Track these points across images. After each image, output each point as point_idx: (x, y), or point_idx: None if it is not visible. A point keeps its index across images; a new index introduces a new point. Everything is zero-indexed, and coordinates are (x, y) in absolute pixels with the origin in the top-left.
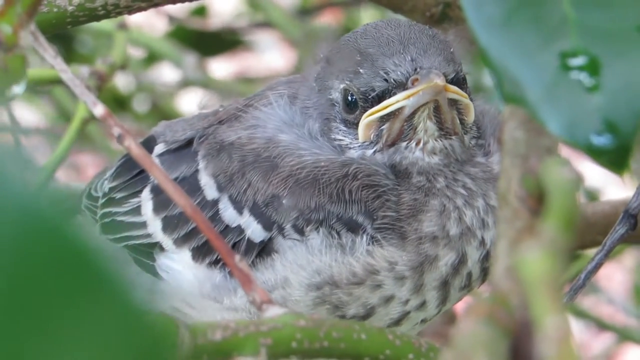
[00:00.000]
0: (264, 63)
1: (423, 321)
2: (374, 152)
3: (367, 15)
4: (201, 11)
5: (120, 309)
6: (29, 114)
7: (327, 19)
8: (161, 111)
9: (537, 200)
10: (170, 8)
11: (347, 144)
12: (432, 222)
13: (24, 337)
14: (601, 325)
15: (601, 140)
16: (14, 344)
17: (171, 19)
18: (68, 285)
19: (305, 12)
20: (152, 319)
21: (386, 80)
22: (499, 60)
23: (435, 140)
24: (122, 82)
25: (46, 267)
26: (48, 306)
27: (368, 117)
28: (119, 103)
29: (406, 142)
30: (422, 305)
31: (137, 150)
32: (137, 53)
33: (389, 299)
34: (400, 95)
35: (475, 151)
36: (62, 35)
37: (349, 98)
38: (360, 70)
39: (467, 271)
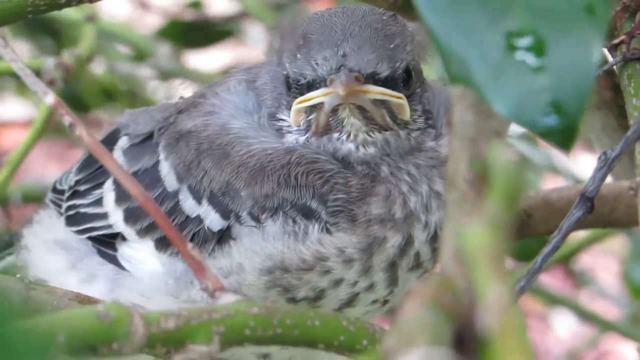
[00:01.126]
0: (256, 54)
1: (375, 302)
2: (307, 138)
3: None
4: (197, 4)
5: None
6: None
7: (320, 8)
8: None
9: (484, 182)
10: (163, 3)
11: (288, 125)
12: (379, 205)
13: None
14: (588, 317)
15: (548, 121)
16: None
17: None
18: None
19: (292, 1)
20: None
21: (315, 71)
22: (446, 41)
23: (366, 134)
24: (108, 75)
25: None
26: None
27: (297, 105)
28: (107, 96)
29: (337, 134)
30: (371, 286)
31: (89, 140)
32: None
33: (337, 282)
34: (318, 92)
35: (423, 137)
36: (52, 28)
37: (289, 80)
38: (298, 56)
39: (414, 252)
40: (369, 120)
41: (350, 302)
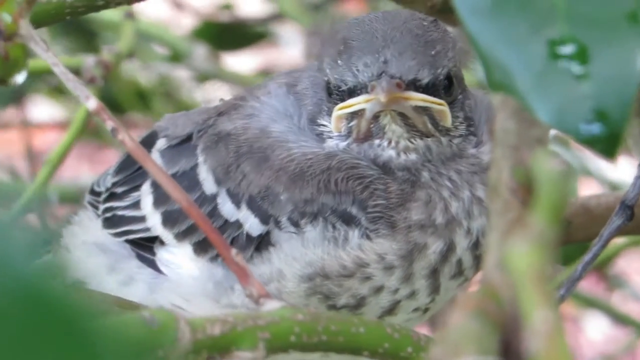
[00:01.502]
0: (288, 57)
1: (417, 310)
2: (347, 144)
3: (390, 6)
4: (229, 6)
5: None
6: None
7: (352, 9)
8: (184, 106)
9: (527, 191)
10: (198, 4)
11: (329, 131)
12: (419, 211)
13: None
14: (622, 320)
15: (591, 129)
16: None
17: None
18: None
19: (328, 3)
20: None
21: (356, 77)
22: (488, 49)
23: (408, 140)
24: (144, 77)
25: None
26: None
27: (338, 111)
28: (142, 98)
29: (378, 140)
30: (412, 294)
31: (131, 144)
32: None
33: (378, 289)
34: (360, 98)
35: (464, 144)
36: (85, 29)
37: (327, 85)
38: (339, 62)
39: (456, 259)
40: (411, 127)
41: (392, 310)
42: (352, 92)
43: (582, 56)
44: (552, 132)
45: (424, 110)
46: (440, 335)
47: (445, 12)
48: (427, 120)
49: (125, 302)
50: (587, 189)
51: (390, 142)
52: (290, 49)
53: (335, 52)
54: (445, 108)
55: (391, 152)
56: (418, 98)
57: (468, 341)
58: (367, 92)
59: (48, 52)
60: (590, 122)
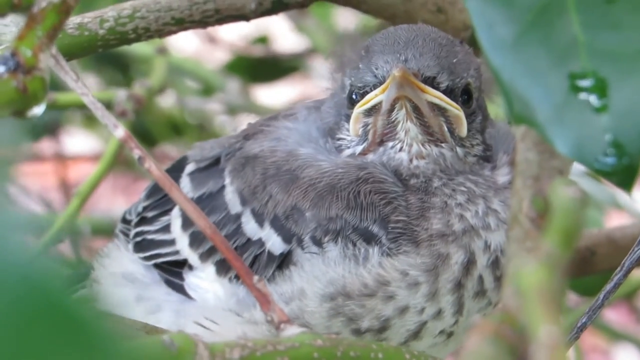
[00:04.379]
0: (321, 90)
1: (442, 333)
2: (363, 149)
3: None
4: (263, 39)
5: None
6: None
7: None
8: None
9: (546, 220)
10: (232, 38)
11: (346, 143)
12: (437, 219)
13: None
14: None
15: (609, 161)
16: None
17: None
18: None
19: (365, 34)
20: None
21: (375, 75)
22: (510, 81)
23: (422, 145)
24: (178, 110)
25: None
26: None
27: (356, 111)
28: (175, 130)
29: (392, 142)
30: (439, 313)
31: (157, 172)
32: (194, 84)
33: (403, 310)
34: (377, 91)
35: (479, 167)
36: (120, 62)
37: (353, 95)
38: (360, 66)
39: (478, 273)
40: (426, 128)
41: (417, 333)
42: (371, 91)
43: (601, 89)
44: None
45: (440, 111)
46: (457, 358)
47: (473, 46)
48: (443, 123)
49: (152, 328)
50: (618, 222)
51: (403, 145)
52: (323, 81)
53: (356, 60)
54: (461, 114)
55: (403, 156)
56: (434, 94)
57: None
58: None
59: (78, 82)
60: (608, 154)
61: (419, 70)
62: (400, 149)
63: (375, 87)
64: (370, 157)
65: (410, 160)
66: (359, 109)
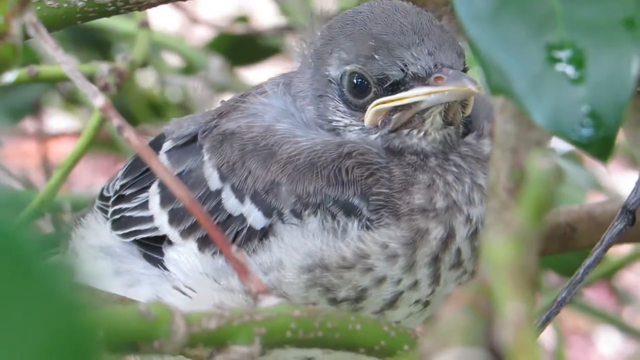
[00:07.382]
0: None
1: (418, 302)
2: (377, 137)
3: None
4: (244, 19)
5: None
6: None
7: None
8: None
9: (521, 191)
10: (213, 16)
11: (345, 125)
12: (420, 194)
13: None
14: (633, 334)
15: (586, 132)
16: None
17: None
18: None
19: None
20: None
21: (403, 71)
22: (487, 53)
23: (437, 132)
24: (158, 88)
25: None
26: None
27: (380, 105)
28: (155, 110)
29: (409, 130)
30: (415, 284)
31: (136, 142)
32: (176, 62)
33: (380, 280)
34: (420, 91)
35: (462, 134)
36: (99, 41)
37: (355, 81)
38: (376, 57)
39: (456, 247)
40: (448, 117)
41: (393, 302)
42: (395, 87)
43: (578, 61)
44: (561, 144)
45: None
46: (431, 328)
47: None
48: (460, 110)
49: (129, 300)
50: None
51: (420, 132)
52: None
53: (363, 48)
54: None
55: (416, 141)
56: (477, 89)
57: (457, 333)
58: (422, 85)
59: (57, 51)
60: (585, 125)
61: (452, 66)
62: (419, 136)
63: (401, 82)
64: (376, 140)
65: (422, 144)
66: (385, 104)
